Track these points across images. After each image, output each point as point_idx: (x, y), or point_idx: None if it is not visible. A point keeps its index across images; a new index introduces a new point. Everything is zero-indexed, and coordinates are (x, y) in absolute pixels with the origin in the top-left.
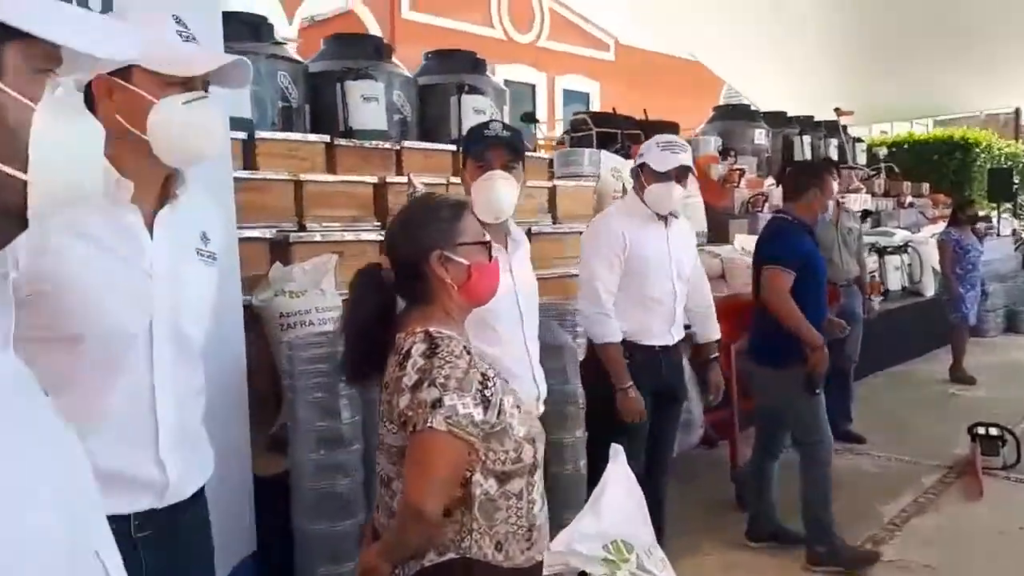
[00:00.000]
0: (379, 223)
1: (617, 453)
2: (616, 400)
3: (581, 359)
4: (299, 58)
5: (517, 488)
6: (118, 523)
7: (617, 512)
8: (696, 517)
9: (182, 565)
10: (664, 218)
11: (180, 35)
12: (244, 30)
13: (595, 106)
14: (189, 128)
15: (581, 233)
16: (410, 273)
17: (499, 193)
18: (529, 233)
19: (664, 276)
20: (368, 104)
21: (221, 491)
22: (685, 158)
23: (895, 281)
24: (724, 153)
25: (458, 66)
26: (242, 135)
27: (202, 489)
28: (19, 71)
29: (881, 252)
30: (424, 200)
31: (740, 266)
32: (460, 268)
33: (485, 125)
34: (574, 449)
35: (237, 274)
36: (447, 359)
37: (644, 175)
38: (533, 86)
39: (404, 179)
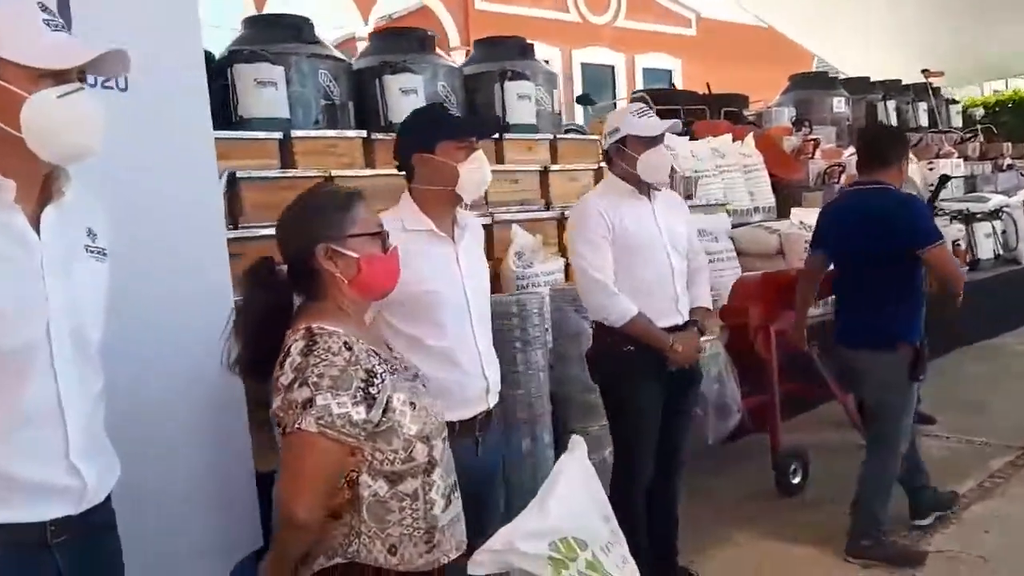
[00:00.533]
0: None
1: (575, 446)
2: (668, 360)
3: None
4: (341, 56)
5: (411, 488)
6: (33, 531)
7: (568, 507)
8: (730, 507)
9: (96, 566)
10: (647, 193)
11: (48, 24)
12: (285, 32)
13: (678, 84)
14: (65, 123)
15: None
16: (300, 268)
17: (487, 174)
18: (562, 217)
19: (658, 251)
20: (407, 97)
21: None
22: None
23: (987, 249)
24: (798, 124)
25: (504, 53)
26: (278, 135)
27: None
28: None
29: (969, 219)
30: (312, 191)
31: (798, 240)
32: (349, 261)
33: (442, 107)
34: (598, 440)
35: (227, 270)
36: (323, 356)
37: (631, 147)
38: (612, 67)
39: None
